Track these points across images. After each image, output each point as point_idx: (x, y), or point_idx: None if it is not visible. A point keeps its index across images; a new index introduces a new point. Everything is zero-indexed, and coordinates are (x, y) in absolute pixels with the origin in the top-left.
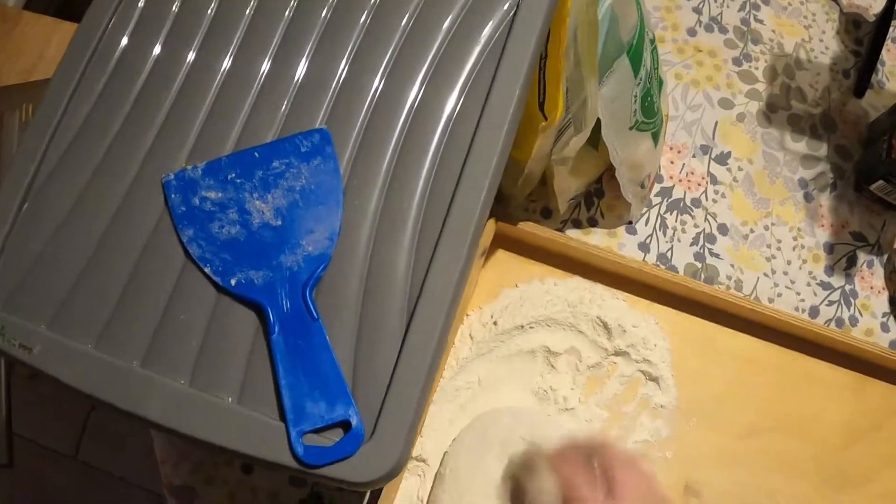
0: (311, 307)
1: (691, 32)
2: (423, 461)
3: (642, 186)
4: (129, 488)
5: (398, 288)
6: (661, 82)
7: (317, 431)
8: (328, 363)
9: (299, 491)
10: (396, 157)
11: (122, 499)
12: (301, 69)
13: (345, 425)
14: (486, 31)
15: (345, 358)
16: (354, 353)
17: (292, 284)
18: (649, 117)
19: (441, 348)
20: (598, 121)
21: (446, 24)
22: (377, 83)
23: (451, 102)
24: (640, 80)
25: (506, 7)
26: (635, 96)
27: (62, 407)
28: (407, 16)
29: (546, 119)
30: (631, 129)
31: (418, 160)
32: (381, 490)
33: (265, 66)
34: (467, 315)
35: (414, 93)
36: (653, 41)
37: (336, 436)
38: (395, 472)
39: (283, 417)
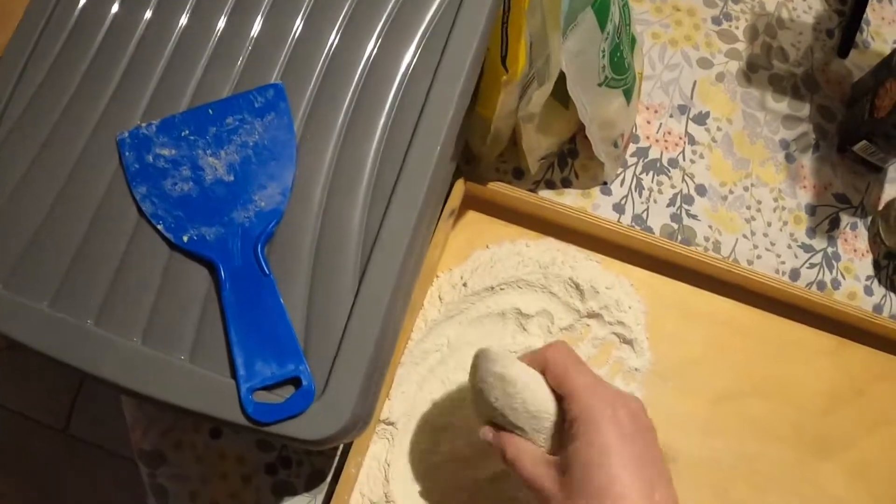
0: (263, 263)
1: None
2: (392, 424)
3: (616, 146)
4: (117, 459)
5: (352, 243)
6: (633, 40)
7: (268, 388)
8: (279, 320)
9: (267, 455)
10: (351, 111)
11: (111, 470)
12: (257, 26)
13: (296, 382)
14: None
15: (297, 314)
16: (307, 309)
17: (244, 240)
18: (619, 73)
19: (396, 305)
20: (565, 77)
21: None
22: (333, 38)
23: (407, 57)
24: (608, 34)
25: None
26: (603, 51)
27: (50, 380)
28: None
29: (507, 72)
30: (600, 85)
31: (373, 115)
32: (347, 453)
33: (221, 22)
34: (437, 277)
35: (370, 48)
36: None
37: (288, 393)
38: (348, 430)
39: (234, 375)
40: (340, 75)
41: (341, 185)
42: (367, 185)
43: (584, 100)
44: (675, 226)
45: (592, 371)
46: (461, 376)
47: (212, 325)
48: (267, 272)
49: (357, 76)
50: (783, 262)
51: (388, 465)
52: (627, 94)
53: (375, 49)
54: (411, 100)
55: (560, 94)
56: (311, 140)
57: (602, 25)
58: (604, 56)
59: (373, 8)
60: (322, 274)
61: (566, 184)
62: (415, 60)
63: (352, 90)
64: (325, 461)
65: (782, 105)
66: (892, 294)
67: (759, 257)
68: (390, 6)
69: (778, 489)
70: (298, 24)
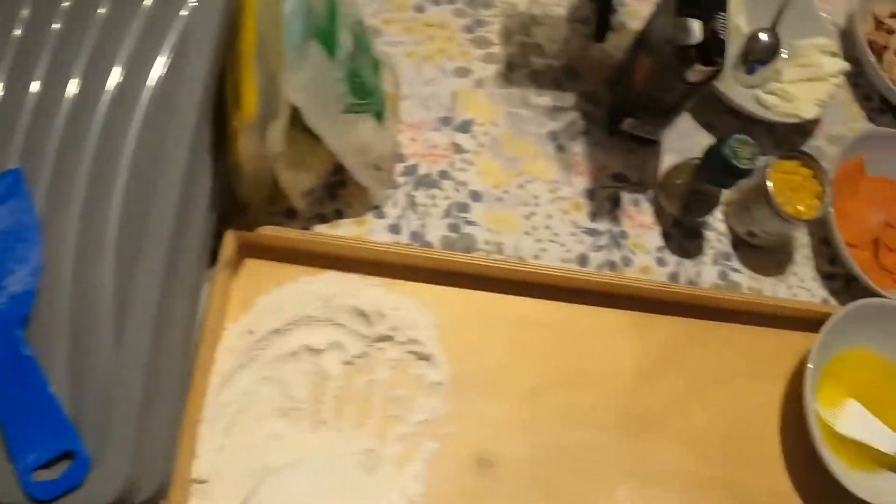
0: (21, 345)
1: (419, 9)
2: (204, 482)
3: (378, 168)
4: None
5: (107, 309)
6: (377, 62)
7: (47, 466)
8: (45, 397)
9: None
10: (90, 181)
11: None
12: None
13: (72, 455)
14: (165, 50)
15: (63, 388)
16: (71, 381)
17: (1, 325)
18: (363, 98)
19: (157, 362)
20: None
21: (125, 50)
22: (69, 110)
23: (136, 123)
24: (340, 63)
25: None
26: (338, 79)
27: None
28: (88, 51)
29: (239, 116)
30: (344, 112)
31: (111, 182)
32: None
33: None
34: (224, 329)
35: (101, 122)
36: (359, 23)
37: (65, 467)
38: (129, 494)
39: (12, 458)
40: (76, 148)
41: (89, 256)
42: (114, 252)
43: (330, 129)
44: (455, 235)
45: None
46: (262, 423)
47: None
48: (27, 353)
49: (93, 147)
50: (568, 251)
51: None
52: (379, 117)
53: (105, 120)
54: (146, 161)
55: (310, 128)
56: (55, 216)
57: (331, 53)
58: (340, 84)
59: (100, 81)
60: (82, 345)
61: (339, 215)
62: (143, 125)
63: (89, 160)
64: None
65: (545, 99)
66: (686, 260)
67: (543, 250)
68: (119, 76)
69: (610, 473)
70: (30, 106)
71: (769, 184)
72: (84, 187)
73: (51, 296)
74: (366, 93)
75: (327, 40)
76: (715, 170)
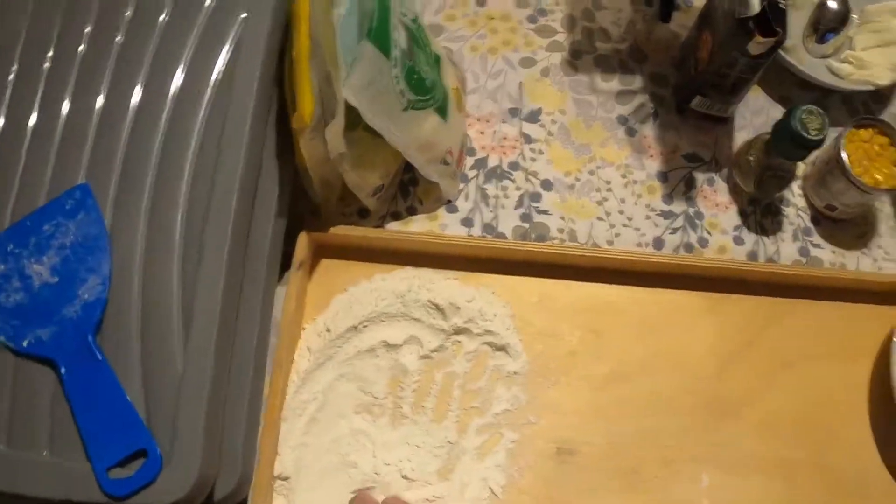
0: (95, 350)
1: (480, 3)
2: (286, 479)
3: (446, 163)
4: None
5: (173, 313)
6: (437, 58)
7: (122, 464)
8: (119, 398)
9: None
10: (153, 192)
11: None
12: (61, 124)
13: (145, 453)
14: (220, 59)
15: (135, 389)
16: (143, 382)
17: (76, 333)
18: (424, 94)
19: (223, 360)
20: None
21: (182, 61)
22: (127, 127)
23: (195, 131)
24: (396, 60)
25: (231, 36)
26: (396, 77)
27: None
28: (147, 63)
29: (298, 119)
30: (406, 109)
31: (173, 191)
32: None
33: (32, 120)
34: (303, 329)
35: (161, 131)
36: (415, 20)
37: (139, 465)
38: (203, 488)
39: (89, 458)
40: (140, 158)
41: (155, 264)
42: (178, 258)
43: (392, 127)
44: (527, 225)
45: None
46: (343, 420)
47: (64, 417)
48: (100, 358)
49: (154, 157)
50: (643, 235)
51: None
52: (441, 112)
53: (166, 130)
54: (205, 167)
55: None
56: (123, 226)
57: (386, 53)
58: (398, 81)
59: (160, 89)
60: (152, 348)
61: (412, 211)
62: (203, 131)
63: (152, 169)
64: None
65: (613, 83)
66: (765, 237)
67: (617, 235)
68: (177, 86)
69: (688, 459)
70: (95, 120)
71: (844, 154)
72: (149, 196)
73: (120, 303)
74: (425, 89)
75: (381, 40)
76: (785, 143)
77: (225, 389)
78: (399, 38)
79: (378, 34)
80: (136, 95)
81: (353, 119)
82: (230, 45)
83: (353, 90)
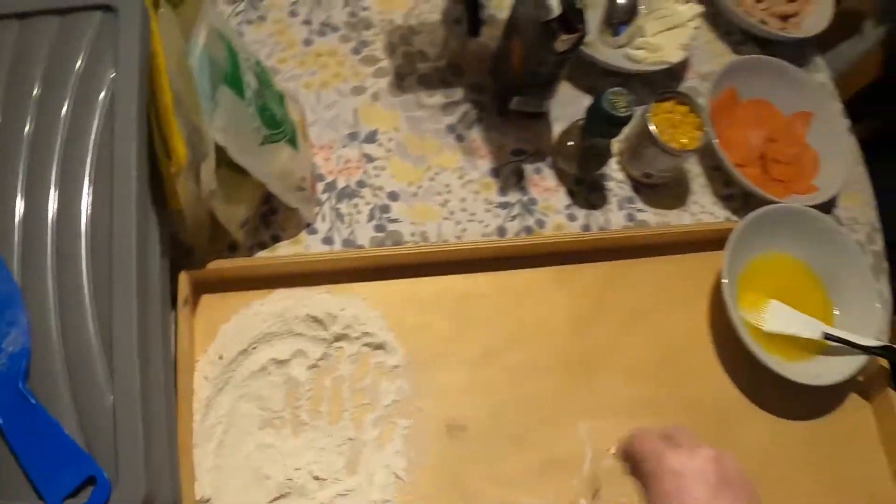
0: (28, 395)
1: (307, 43)
2: (207, 501)
3: (302, 189)
4: None
5: (95, 352)
6: (281, 96)
7: (73, 495)
8: (59, 436)
9: None
10: (55, 246)
11: None
12: None
13: (94, 481)
14: (96, 119)
15: (72, 424)
16: (78, 417)
17: (6, 383)
18: (276, 128)
19: (149, 384)
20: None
21: (62, 124)
22: (21, 192)
23: (85, 187)
24: (249, 100)
25: (101, 98)
26: (252, 115)
27: None
28: (27, 136)
29: (172, 164)
30: (263, 143)
31: (73, 243)
32: None
33: None
34: (197, 360)
35: (53, 194)
36: (258, 64)
37: (90, 492)
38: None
39: (41, 496)
40: (36, 221)
41: (69, 310)
42: (91, 303)
43: (254, 161)
44: (382, 235)
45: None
46: (249, 437)
47: (9, 463)
48: (34, 402)
49: (52, 214)
50: (487, 226)
51: None
52: (292, 143)
53: (58, 193)
54: (101, 220)
55: (235, 165)
56: (32, 280)
57: (241, 95)
58: (255, 119)
59: (46, 160)
60: (81, 385)
61: (276, 239)
62: (92, 188)
63: (51, 226)
64: None
65: (437, 97)
66: (594, 211)
67: (464, 230)
68: (58, 154)
69: (568, 413)
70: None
71: (651, 126)
72: (52, 251)
73: (44, 349)
74: (277, 123)
75: (235, 84)
76: (598, 123)
77: (151, 418)
78: (250, 80)
79: (232, 79)
80: (25, 162)
81: (217, 158)
82: (103, 105)
83: (219, 131)
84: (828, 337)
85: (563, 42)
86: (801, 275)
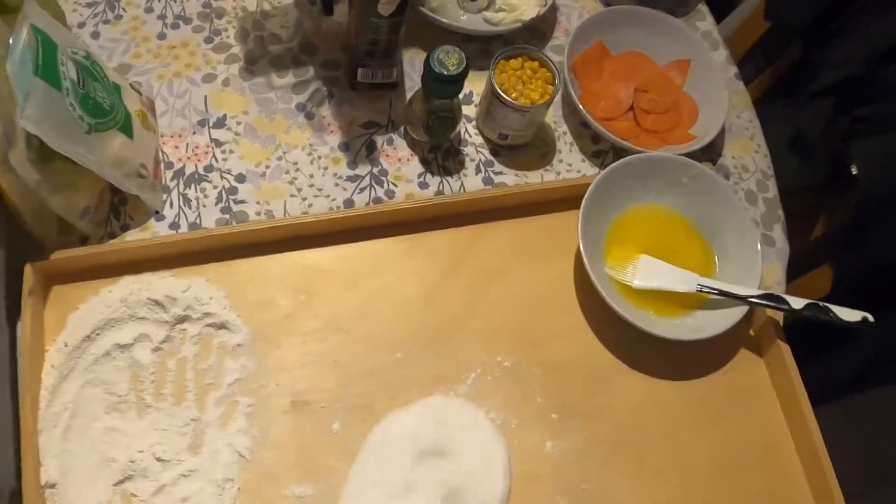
0: None
1: (161, 37)
2: (53, 486)
3: (141, 176)
4: None
5: None
6: (116, 86)
7: None
8: None
9: None
10: None
11: None
12: None
13: None
14: None
15: None
16: None
17: None
18: (103, 117)
19: None
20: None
21: None
22: None
23: None
24: (67, 90)
25: None
26: (72, 105)
27: None
28: None
29: None
30: (89, 132)
31: None
32: None
33: None
34: (46, 350)
35: None
36: (87, 57)
37: None
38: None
39: None
40: None
41: None
42: None
43: (81, 150)
44: (227, 216)
45: None
46: (96, 422)
47: None
48: None
49: None
50: (334, 200)
51: None
52: (126, 131)
53: None
54: None
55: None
56: None
57: (57, 86)
58: (75, 109)
59: None
60: None
61: (125, 228)
62: None
63: None
64: None
65: (288, 78)
66: (448, 177)
67: (311, 206)
68: None
69: (421, 383)
70: None
71: (495, 83)
72: None
73: None
74: (104, 112)
75: (50, 75)
76: (432, 84)
77: None
78: (69, 71)
79: (45, 71)
80: None
81: (49, 150)
82: None
83: (30, 121)
84: (704, 289)
85: (384, 5)
86: (676, 226)
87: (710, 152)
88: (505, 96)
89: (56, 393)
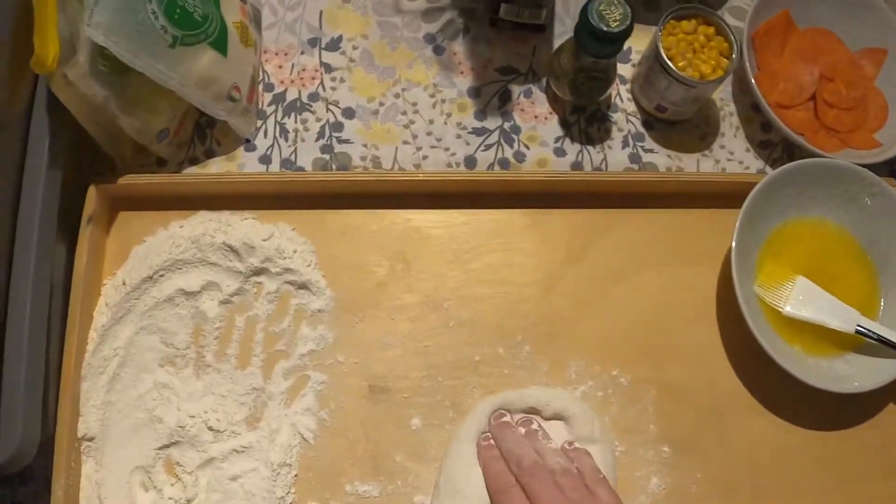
0: None
1: None
2: (91, 439)
3: (232, 100)
4: None
5: None
6: None
7: None
8: None
9: None
10: None
11: None
12: None
13: None
14: None
15: None
16: None
17: None
18: (192, 29)
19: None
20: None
21: None
22: None
23: None
24: None
25: None
26: (154, 13)
27: None
28: None
29: (34, 63)
30: (173, 46)
31: None
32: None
33: None
34: (103, 285)
35: None
36: None
37: None
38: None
39: None
40: None
41: None
42: None
43: (159, 66)
44: (327, 157)
45: None
46: (146, 375)
47: None
48: None
49: None
50: (454, 154)
51: (99, 485)
52: (218, 46)
53: None
54: None
55: None
56: None
57: None
58: (157, 17)
59: None
60: None
61: (210, 154)
62: None
63: None
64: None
65: (419, 2)
66: (590, 147)
67: (425, 158)
68: None
69: (512, 386)
70: None
71: (661, 47)
72: None
73: None
74: (194, 23)
75: None
76: (587, 39)
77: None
78: None
79: None
80: None
81: (121, 63)
82: None
83: (99, 29)
84: (862, 331)
85: None
86: (844, 251)
87: (889, 163)
88: (671, 65)
89: (107, 336)
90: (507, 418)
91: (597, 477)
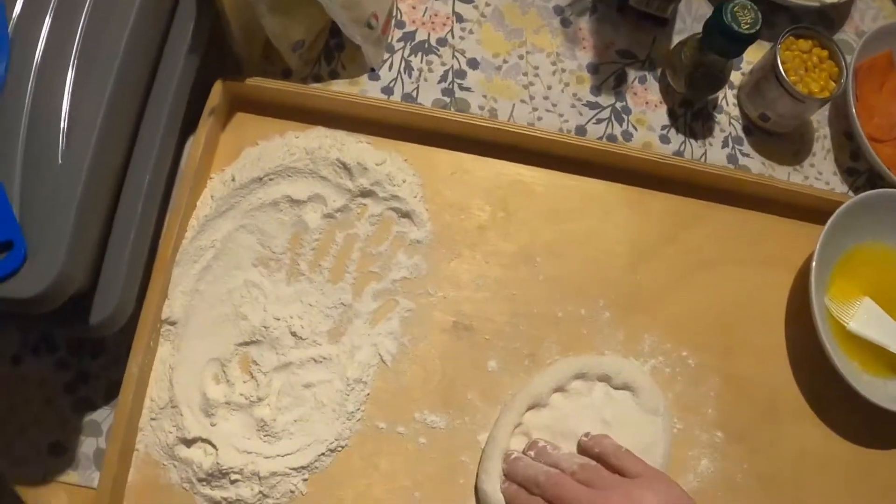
0: None
1: None
2: (173, 324)
3: (370, 27)
4: None
5: (61, 118)
6: None
7: None
8: None
9: (65, 374)
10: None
11: None
12: None
13: (10, 245)
14: None
15: (13, 182)
16: (22, 179)
17: None
18: None
19: (101, 170)
20: None
21: None
22: None
23: None
24: None
25: None
26: None
27: None
28: None
29: None
30: None
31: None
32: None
33: None
34: (210, 178)
35: None
36: None
37: (4, 256)
38: (60, 288)
39: None
40: None
41: (49, 70)
42: (72, 68)
43: None
44: (447, 99)
45: None
46: (238, 271)
47: None
48: None
49: None
50: (566, 121)
51: (172, 370)
52: None
53: None
54: None
55: None
56: (24, 30)
57: None
58: None
59: None
60: (35, 147)
61: (334, 76)
62: None
63: None
64: (120, 371)
65: None
66: (692, 140)
67: (540, 119)
68: None
69: (588, 348)
70: None
71: (779, 59)
72: (52, 9)
73: (13, 99)
74: None
75: None
76: (717, 37)
77: (102, 201)
78: None
79: None
80: None
81: None
82: None
83: None
84: None
85: None
86: None
87: None
88: (785, 76)
89: (207, 227)
90: (515, 456)
91: (620, 452)
